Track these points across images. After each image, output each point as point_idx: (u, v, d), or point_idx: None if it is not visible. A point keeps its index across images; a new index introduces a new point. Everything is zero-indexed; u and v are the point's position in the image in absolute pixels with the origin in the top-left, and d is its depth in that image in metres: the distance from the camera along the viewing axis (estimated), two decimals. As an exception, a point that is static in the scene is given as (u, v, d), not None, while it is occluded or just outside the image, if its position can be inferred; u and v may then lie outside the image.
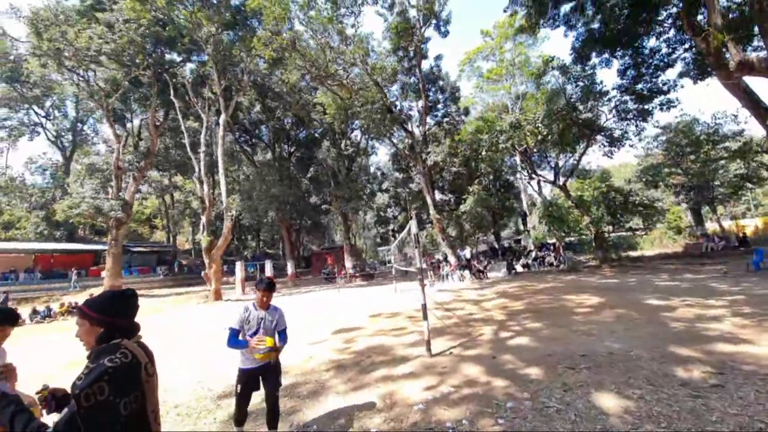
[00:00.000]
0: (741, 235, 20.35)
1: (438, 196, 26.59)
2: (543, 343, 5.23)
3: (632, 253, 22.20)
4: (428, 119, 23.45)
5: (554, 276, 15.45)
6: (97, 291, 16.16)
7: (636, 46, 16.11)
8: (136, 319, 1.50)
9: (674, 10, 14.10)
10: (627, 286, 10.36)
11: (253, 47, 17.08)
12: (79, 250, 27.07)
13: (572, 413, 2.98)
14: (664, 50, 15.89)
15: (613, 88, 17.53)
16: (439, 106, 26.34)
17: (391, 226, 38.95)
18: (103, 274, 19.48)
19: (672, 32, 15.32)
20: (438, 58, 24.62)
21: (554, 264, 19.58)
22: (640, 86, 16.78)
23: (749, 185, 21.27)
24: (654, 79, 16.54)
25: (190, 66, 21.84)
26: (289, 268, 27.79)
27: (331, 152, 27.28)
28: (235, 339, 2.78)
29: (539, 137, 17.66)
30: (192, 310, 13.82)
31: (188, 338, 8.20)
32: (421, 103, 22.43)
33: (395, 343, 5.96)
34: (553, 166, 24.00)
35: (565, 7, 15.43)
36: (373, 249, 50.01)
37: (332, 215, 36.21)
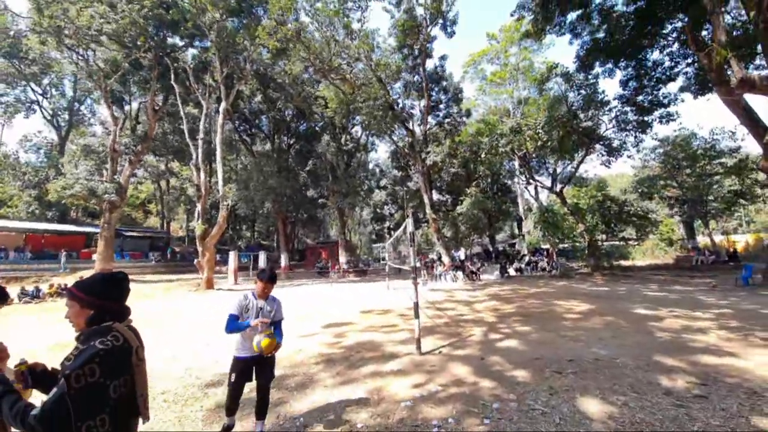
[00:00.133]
0: (731, 250, 20.63)
1: (435, 196, 26.65)
2: (531, 346, 5.27)
3: (624, 263, 22.44)
4: (429, 119, 23.45)
5: (546, 281, 15.58)
6: (87, 274, 16.02)
7: (639, 58, 16.21)
8: (127, 303, 1.49)
9: (679, 24, 14.21)
10: (617, 295, 10.47)
11: (257, 36, 16.91)
12: (71, 231, 26.75)
13: (557, 416, 3.01)
14: (667, 63, 16.01)
15: (615, 98, 17.66)
16: (441, 106, 26.33)
17: (386, 224, 39.00)
18: (95, 257, 19.29)
19: (676, 46, 15.44)
20: (443, 58, 24.61)
21: (547, 269, 19.74)
22: (641, 98, 16.90)
23: (743, 201, 21.54)
24: (655, 92, 16.67)
25: (192, 51, 21.58)
26: (283, 261, 27.73)
27: (330, 146, 27.17)
28: (234, 323, 2.75)
29: (539, 143, 17.75)
30: (183, 298, 13.75)
31: (178, 326, 8.16)
32: (423, 102, 22.41)
33: (385, 340, 5.98)
34: (551, 172, 24.15)
35: (572, 15, 15.49)
36: (367, 245, 50.03)
37: (329, 210, 36.14)
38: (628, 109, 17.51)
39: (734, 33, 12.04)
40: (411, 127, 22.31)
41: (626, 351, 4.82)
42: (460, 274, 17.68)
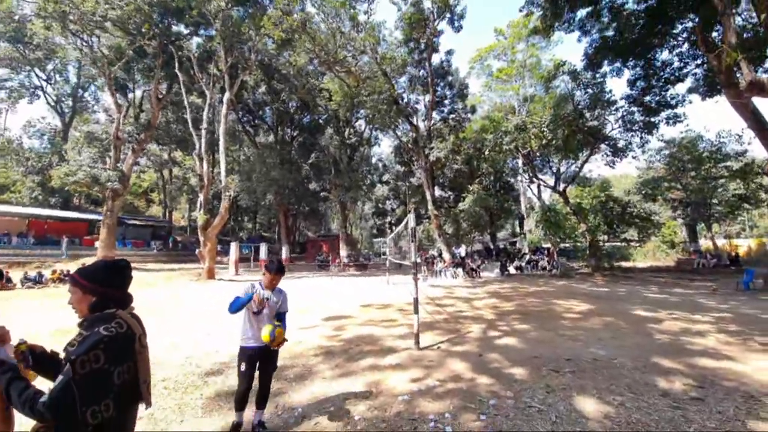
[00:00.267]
0: (733, 254, 20.57)
1: (438, 192, 26.60)
2: (530, 344, 5.29)
3: (624, 264, 22.42)
4: (434, 114, 23.34)
5: (546, 280, 15.59)
6: (89, 260, 16.12)
7: (648, 58, 16.02)
8: (129, 291, 1.50)
9: (690, 24, 14.01)
10: (617, 296, 10.47)
11: (262, 26, 16.77)
12: (74, 218, 26.89)
13: (553, 414, 3.03)
14: (676, 64, 15.83)
15: (622, 98, 17.49)
16: (446, 101, 26.17)
17: (388, 219, 38.98)
18: (97, 244, 19.39)
19: (685, 46, 15.25)
20: (449, 53, 24.41)
21: (547, 268, 19.73)
22: (648, 98, 16.73)
23: (746, 206, 21.41)
24: (663, 92, 16.49)
25: (197, 40, 21.46)
26: (284, 253, 27.79)
27: (334, 140, 27.10)
28: (238, 300, 2.72)
29: (543, 141, 17.64)
30: (184, 287, 13.83)
31: (179, 314, 8.23)
32: (428, 97, 22.27)
33: (384, 334, 6.01)
34: (554, 171, 24.01)
35: (582, 12, 15.28)
36: (368, 240, 50.12)
37: (330, 203, 36.12)
38: (635, 109, 17.34)
39: (745, 35, 11.86)
40: (415, 122, 22.21)
41: (625, 352, 4.82)
42: (460, 270, 17.70)
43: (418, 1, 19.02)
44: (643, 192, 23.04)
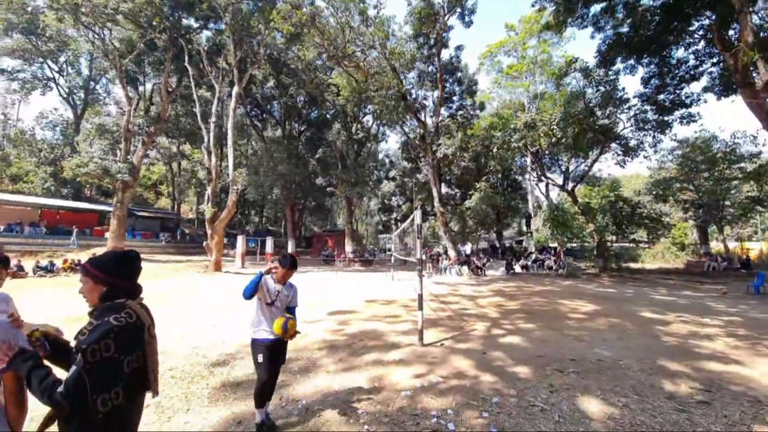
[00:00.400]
0: (744, 257, 20.19)
1: (444, 189, 26.50)
2: (534, 344, 5.27)
3: (633, 265, 22.15)
4: (442, 111, 23.17)
5: (552, 280, 15.48)
6: (100, 251, 16.41)
7: (663, 55, 15.70)
8: (138, 282, 1.52)
9: (706, 22, 13.68)
10: (624, 297, 10.37)
11: (271, 20, 16.77)
12: (85, 209, 27.33)
13: (556, 414, 3.02)
14: (692, 62, 15.50)
15: (635, 96, 17.19)
16: (455, 98, 25.95)
17: (394, 215, 38.99)
18: (107, 234, 19.73)
19: (701, 44, 14.91)
20: (459, 48, 24.10)
21: (553, 268, 19.58)
22: (662, 97, 16.42)
23: (760, 208, 20.97)
24: (678, 91, 16.17)
25: (206, 33, 21.54)
26: (290, 247, 27.94)
27: (341, 135, 27.08)
28: (251, 282, 2.72)
29: (553, 139, 17.41)
30: (191, 279, 14.02)
31: (186, 306, 8.35)
32: (436, 93, 22.10)
33: (388, 330, 6.03)
34: (563, 170, 23.75)
35: (596, 8, 15.00)
36: (374, 236, 50.20)
37: (336, 198, 36.25)
38: (648, 107, 17.04)
39: (762, 34, 11.55)
40: (423, 119, 22.08)
41: (630, 353, 4.78)
42: (465, 268, 17.66)
43: (429, -6, 18.82)
44: (654, 192, 22.66)
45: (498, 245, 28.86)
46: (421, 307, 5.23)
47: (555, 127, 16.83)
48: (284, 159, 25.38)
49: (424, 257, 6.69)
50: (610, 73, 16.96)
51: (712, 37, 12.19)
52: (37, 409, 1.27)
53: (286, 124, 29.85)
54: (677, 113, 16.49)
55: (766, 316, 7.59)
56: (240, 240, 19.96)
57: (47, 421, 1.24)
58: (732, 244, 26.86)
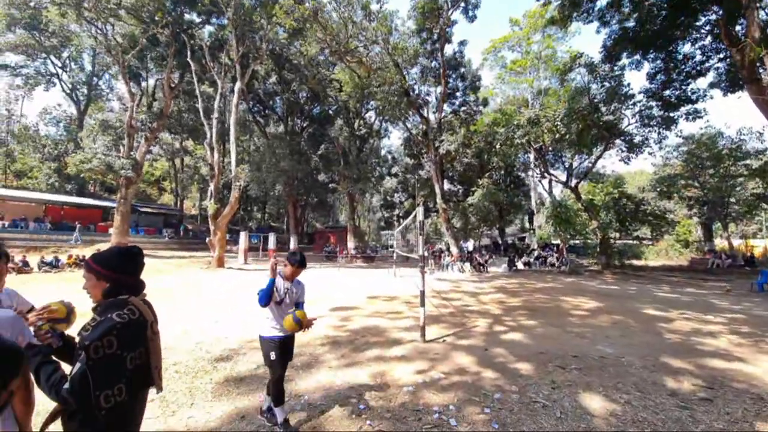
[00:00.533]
0: (749, 254, 20.06)
1: (447, 185, 26.41)
2: (536, 340, 5.27)
3: (636, 262, 22.04)
4: (445, 106, 23.01)
5: (554, 277, 15.45)
6: (104, 246, 16.51)
7: (670, 50, 15.51)
8: (141, 278, 1.52)
9: (713, 17, 13.49)
10: (626, 294, 10.34)
11: (274, 14, 16.69)
12: (89, 204, 27.51)
13: (558, 410, 3.03)
14: (698, 57, 15.30)
15: (640, 92, 17.00)
16: (458, 94, 25.78)
17: (396, 211, 38.92)
18: (111, 230, 19.87)
19: (708, 40, 14.72)
20: (462, 43, 23.94)
21: (556, 265, 19.54)
22: (668, 92, 16.25)
23: (765, 206, 20.78)
24: (684, 87, 16.00)
25: (209, 29, 21.49)
26: (292, 243, 28.08)
27: (343, 131, 27.01)
28: (263, 291, 2.74)
29: (556, 135, 17.28)
30: (194, 275, 14.10)
31: (189, 302, 8.41)
32: (439, 89, 21.96)
33: (390, 326, 6.05)
34: (567, 166, 23.59)
35: (601, 2, 14.87)
36: (376, 232, 50.23)
37: (339, 195, 36.21)
38: (653, 103, 16.86)
39: (768, 30, 11.40)
40: (426, 114, 21.96)
41: (633, 350, 4.77)
42: (467, 265, 17.65)
43: (432, -11, 18.63)
44: (659, 189, 22.48)
45: (500, 242, 28.84)
46: (423, 304, 5.24)
47: (559, 123, 16.69)
48: (286, 155, 25.38)
49: (426, 254, 6.69)
50: (615, 68, 16.77)
51: (719, 33, 12.03)
52: (40, 404, 1.28)
53: (289, 120, 29.81)
54: (683, 109, 16.32)
55: (770, 314, 7.55)
56: (243, 236, 20.03)
57: (52, 417, 1.25)
58: (736, 242, 26.66)
